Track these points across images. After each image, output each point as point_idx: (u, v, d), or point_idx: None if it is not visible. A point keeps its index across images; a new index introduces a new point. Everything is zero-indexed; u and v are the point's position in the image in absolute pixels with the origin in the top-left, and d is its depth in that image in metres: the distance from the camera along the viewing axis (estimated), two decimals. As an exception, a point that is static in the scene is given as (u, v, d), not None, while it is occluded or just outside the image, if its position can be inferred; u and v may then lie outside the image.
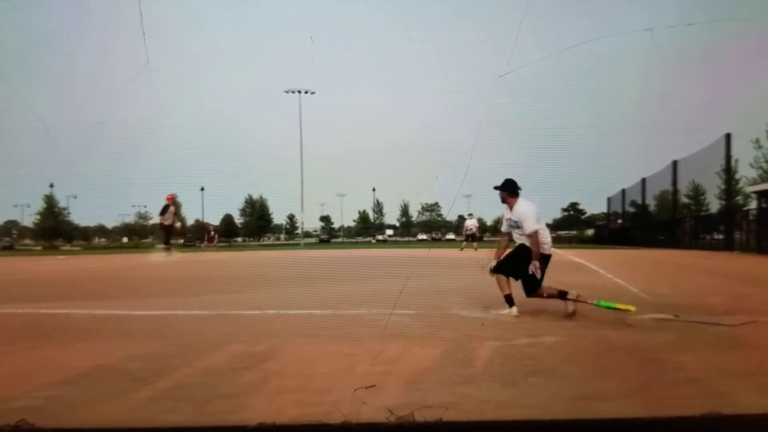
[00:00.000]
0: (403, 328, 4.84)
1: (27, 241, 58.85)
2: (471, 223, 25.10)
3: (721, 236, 27.19)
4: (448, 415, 1.96)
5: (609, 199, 54.88)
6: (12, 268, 16.11)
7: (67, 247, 52.12)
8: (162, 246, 18.04)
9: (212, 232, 32.09)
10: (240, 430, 1.42)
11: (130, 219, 61.15)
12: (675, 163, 34.50)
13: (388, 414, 2.01)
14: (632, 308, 5.40)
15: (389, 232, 78.88)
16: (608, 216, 55.09)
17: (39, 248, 50.90)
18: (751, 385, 3.13)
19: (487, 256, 6.21)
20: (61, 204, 60.71)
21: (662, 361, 3.81)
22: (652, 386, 3.12)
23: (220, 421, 2.08)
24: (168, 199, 17.49)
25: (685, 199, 35.20)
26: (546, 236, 5.92)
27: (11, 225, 61.56)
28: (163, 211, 17.60)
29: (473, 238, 24.24)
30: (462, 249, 22.74)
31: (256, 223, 68.56)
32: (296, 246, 50.93)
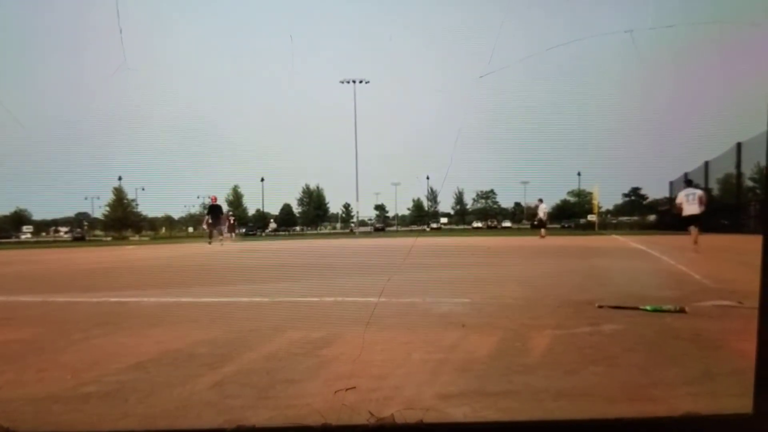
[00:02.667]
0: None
1: (97, 232, 61.46)
2: (543, 208, 24.44)
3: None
4: (429, 417, 1.97)
5: (671, 184, 52.79)
6: (84, 258, 16.93)
7: (136, 238, 54.23)
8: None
9: (232, 221, 32.49)
10: None
11: (195, 210, 63.04)
12: (739, 146, 32.96)
13: (369, 416, 2.03)
14: (685, 308, 5.09)
15: (444, 220, 78.55)
16: (671, 201, 53.03)
17: (109, 239, 53.11)
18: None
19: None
20: (130, 196, 63.06)
21: (725, 349, 3.69)
22: (714, 375, 3.03)
23: (200, 424, 2.15)
24: (212, 200, 19.05)
25: (749, 183, 33.59)
26: None
27: (82, 217, 64.38)
28: (209, 212, 19.10)
29: (542, 224, 23.36)
30: (542, 236, 21.99)
31: (313, 213, 69.52)
32: (351, 234, 51.47)
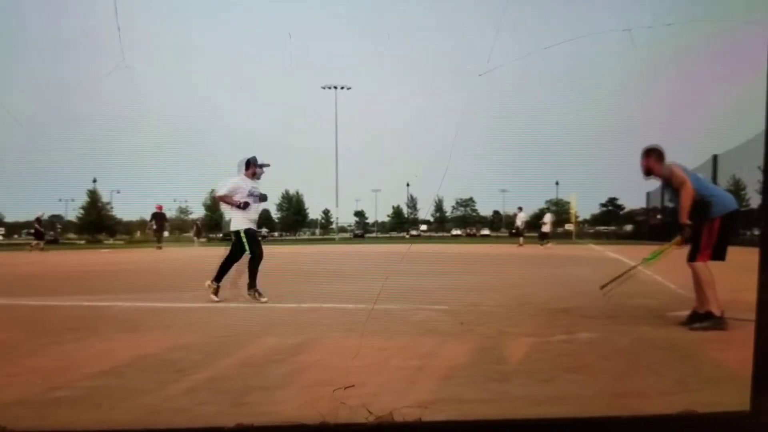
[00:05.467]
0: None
1: (71, 235, 60.34)
2: (522, 217, 24.60)
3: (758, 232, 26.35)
4: (427, 415, 1.97)
5: (648, 194, 53.49)
6: (57, 262, 16.63)
7: (110, 241, 53.36)
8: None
9: (197, 226, 32.31)
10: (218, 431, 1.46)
11: (172, 213, 62.28)
12: (715, 158, 33.61)
13: (367, 414, 2.03)
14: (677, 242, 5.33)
15: (423, 227, 78.62)
16: (647, 211, 53.86)
17: (83, 242, 52.21)
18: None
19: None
20: (105, 199, 62.14)
21: (700, 359, 3.75)
22: (689, 384, 3.07)
23: (200, 423, 2.13)
24: (157, 208, 20.34)
25: (726, 194, 34.25)
26: None
27: (56, 219, 63.21)
28: (152, 218, 20.31)
29: (520, 233, 23.55)
30: (520, 245, 22.21)
31: (292, 218, 69.22)
32: (331, 241, 51.32)
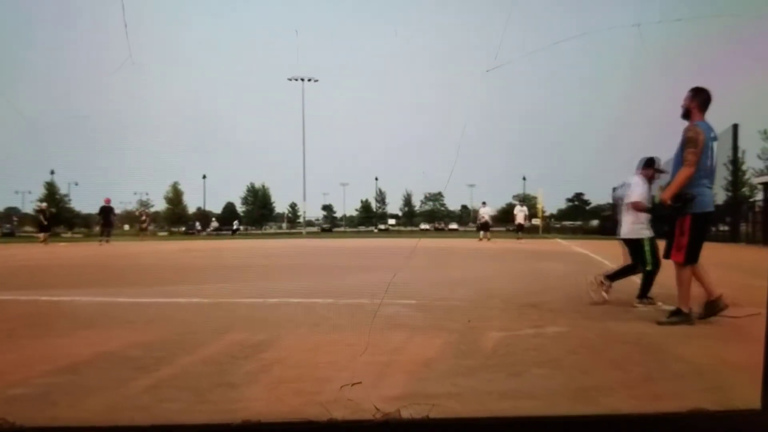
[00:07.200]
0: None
1: (28, 228, 58.89)
2: (485, 212, 24.99)
3: (727, 228, 27.21)
4: (435, 412, 1.96)
5: (614, 189, 54.47)
6: (12, 256, 16.16)
7: (69, 234, 52.17)
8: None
9: (144, 218, 32.01)
10: (224, 428, 1.42)
11: (132, 206, 61.23)
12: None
13: (375, 411, 2.01)
14: None
15: (391, 221, 78.94)
16: (613, 206, 54.77)
17: (40, 236, 50.92)
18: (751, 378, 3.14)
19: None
20: (62, 191, 60.76)
21: (665, 353, 3.82)
22: (655, 379, 3.12)
23: (206, 419, 2.08)
24: (106, 201, 20.16)
25: (691, 190, 35.14)
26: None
27: (12, 212, 61.58)
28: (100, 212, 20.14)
29: (486, 228, 23.97)
30: (481, 239, 22.60)
31: (258, 212, 68.51)
32: (299, 235, 51.01)
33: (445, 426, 1.38)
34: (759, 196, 25.97)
